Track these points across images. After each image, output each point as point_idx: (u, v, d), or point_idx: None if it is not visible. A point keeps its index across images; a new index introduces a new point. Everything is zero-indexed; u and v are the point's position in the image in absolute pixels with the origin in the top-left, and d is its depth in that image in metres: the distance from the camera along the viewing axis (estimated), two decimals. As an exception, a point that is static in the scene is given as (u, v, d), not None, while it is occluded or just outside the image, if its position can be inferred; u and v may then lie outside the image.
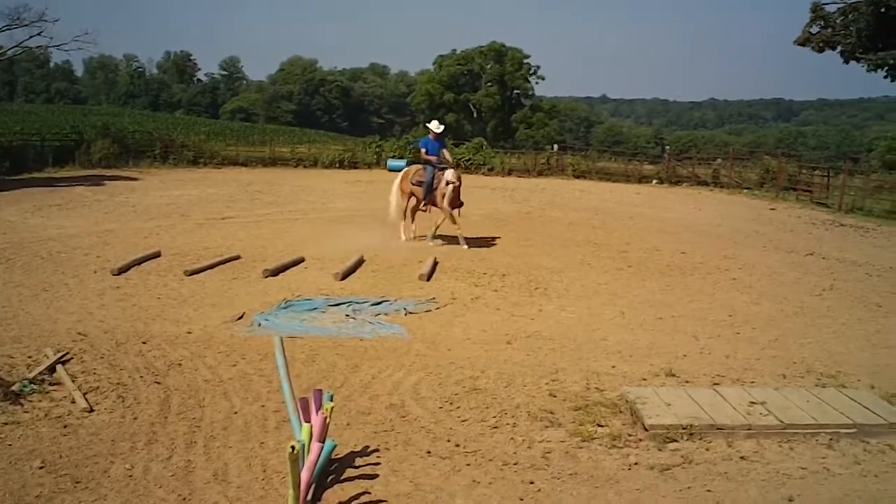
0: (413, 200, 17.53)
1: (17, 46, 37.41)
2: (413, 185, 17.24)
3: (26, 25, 34.82)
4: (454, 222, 16.81)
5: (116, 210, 21.17)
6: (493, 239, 17.73)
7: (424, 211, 17.61)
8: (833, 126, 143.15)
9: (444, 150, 17.53)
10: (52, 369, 8.08)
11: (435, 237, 17.23)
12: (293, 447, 4.99)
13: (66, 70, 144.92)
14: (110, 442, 6.48)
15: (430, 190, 16.78)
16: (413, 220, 17.81)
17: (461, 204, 17.02)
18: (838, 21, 33.83)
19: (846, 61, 34.16)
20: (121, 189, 26.41)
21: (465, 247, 16.42)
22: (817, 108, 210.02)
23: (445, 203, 16.49)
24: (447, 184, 16.32)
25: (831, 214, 26.84)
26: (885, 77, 32.51)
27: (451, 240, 16.91)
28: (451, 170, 16.69)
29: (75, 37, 36.80)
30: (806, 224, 24.05)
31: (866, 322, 11.67)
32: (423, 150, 17.29)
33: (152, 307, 11.03)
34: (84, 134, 36.88)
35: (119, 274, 13.01)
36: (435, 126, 17.48)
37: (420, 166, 17.38)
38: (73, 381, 7.74)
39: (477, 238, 17.41)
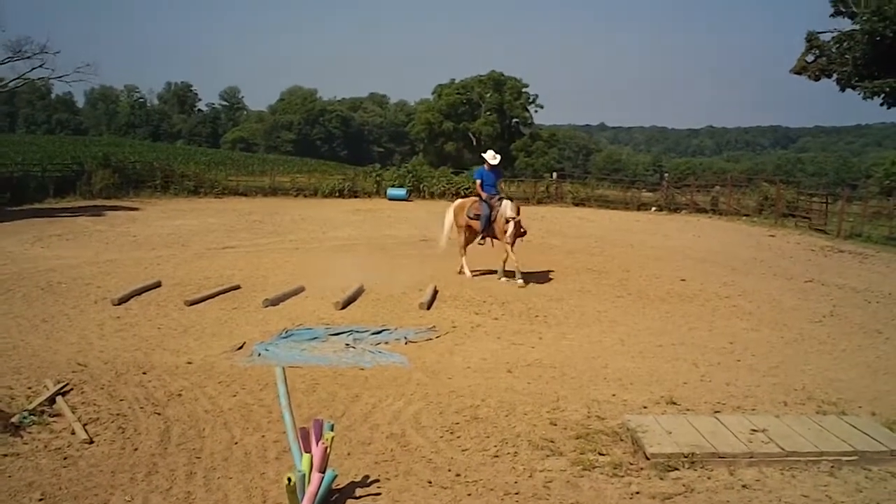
0: (469, 234, 17.06)
1: (18, 78, 37.70)
2: (470, 218, 16.80)
3: (28, 57, 35.11)
4: (513, 258, 16.12)
5: (117, 240, 21.20)
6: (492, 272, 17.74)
7: (482, 244, 16.95)
8: (831, 153, 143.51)
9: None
10: (51, 400, 8.07)
11: (505, 274, 16.52)
12: (290, 479, 4.98)
13: (68, 101, 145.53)
14: (110, 473, 6.46)
15: (488, 223, 16.33)
16: (464, 252, 17.24)
17: (524, 233, 16.57)
18: (833, 49, 34.00)
19: (842, 89, 34.30)
20: (121, 219, 26.47)
21: (521, 282, 15.78)
22: (815, 134, 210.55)
23: (507, 238, 15.90)
24: (507, 221, 15.81)
25: (830, 241, 26.88)
26: (882, 104, 32.61)
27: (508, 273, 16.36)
28: (509, 203, 16.20)
29: (76, 68, 37.12)
30: (805, 250, 24.08)
31: (866, 349, 11.67)
32: (478, 182, 16.79)
33: (152, 337, 11.03)
34: (85, 164, 37.07)
35: (119, 304, 13.01)
36: (490, 157, 16.74)
37: (476, 199, 16.82)
38: (72, 413, 7.73)
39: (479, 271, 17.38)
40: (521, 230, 16.24)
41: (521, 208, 16.37)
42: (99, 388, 8.68)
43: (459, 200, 18.02)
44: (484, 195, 16.45)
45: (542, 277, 16.63)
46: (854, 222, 29.73)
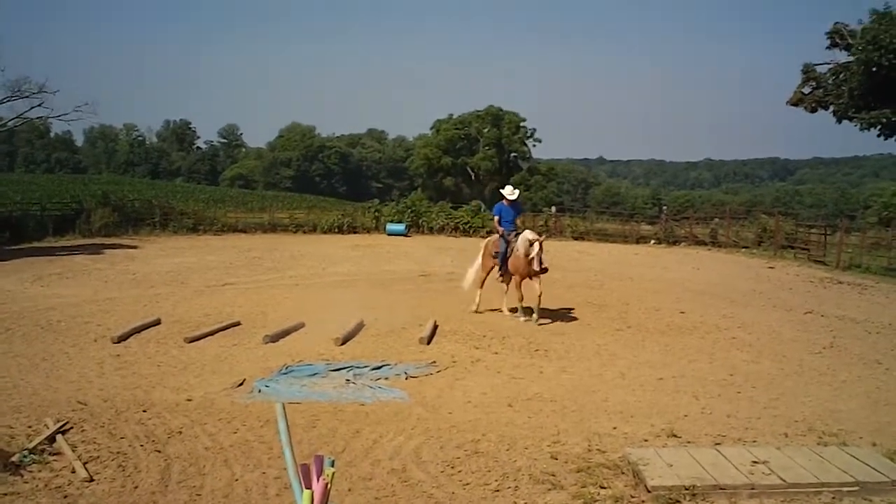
0: (494, 272, 16.74)
1: (17, 118, 37.73)
2: (493, 257, 16.57)
3: (27, 97, 35.17)
4: (536, 290, 15.57)
5: (116, 278, 21.21)
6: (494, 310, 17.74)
7: (501, 281, 16.65)
8: (829, 184, 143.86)
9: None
10: (52, 439, 8.07)
11: (529, 313, 15.88)
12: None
13: (67, 140, 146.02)
14: (111, 512, 6.45)
15: (504, 261, 16.09)
16: (481, 287, 16.96)
17: (545, 269, 15.80)
18: (830, 81, 34.30)
19: (839, 121, 34.53)
20: (120, 257, 26.49)
21: (535, 318, 15.56)
22: (813, 166, 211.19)
23: (535, 266, 15.31)
24: (531, 244, 15.30)
25: (829, 272, 26.91)
26: (879, 135, 32.81)
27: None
28: (527, 232, 15.87)
29: (75, 107, 37.05)
30: (804, 282, 24.10)
31: (866, 379, 11.67)
32: (496, 219, 16.63)
33: (152, 375, 11.02)
34: (84, 203, 37.05)
35: (119, 342, 13.02)
36: (508, 192, 16.43)
37: (497, 237, 16.50)
38: (73, 451, 7.73)
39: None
40: (543, 266, 15.60)
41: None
42: (99, 426, 8.67)
43: (490, 238, 17.62)
44: (501, 230, 16.30)
45: (542, 312, 16.62)
46: (853, 253, 29.75)
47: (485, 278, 16.91)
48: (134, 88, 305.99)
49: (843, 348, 13.94)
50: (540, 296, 15.53)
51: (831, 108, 34.80)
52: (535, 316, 15.59)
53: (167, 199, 44.55)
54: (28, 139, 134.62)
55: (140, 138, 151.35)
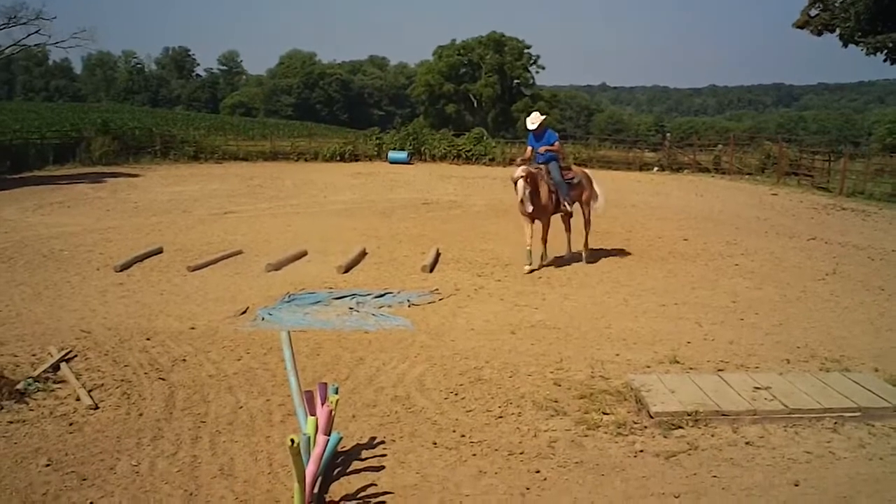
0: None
1: (15, 45, 37.45)
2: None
3: (24, 24, 34.84)
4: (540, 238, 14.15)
5: (118, 207, 21.17)
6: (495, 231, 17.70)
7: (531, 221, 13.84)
8: (833, 110, 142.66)
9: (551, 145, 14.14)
10: (56, 367, 8.09)
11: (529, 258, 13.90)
12: (293, 440, 4.99)
13: (65, 68, 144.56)
14: (116, 439, 6.48)
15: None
16: (569, 232, 14.88)
17: (565, 210, 14.19)
18: (837, 4, 33.80)
19: (845, 45, 34.15)
20: (122, 186, 26.40)
21: (527, 268, 13.66)
22: (817, 92, 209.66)
23: (524, 207, 13.47)
24: (514, 183, 13.34)
25: (833, 199, 26.82)
26: (885, 60, 32.49)
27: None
28: (521, 166, 13.46)
29: (73, 34, 36.88)
30: (807, 209, 24.03)
31: (869, 306, 11.67)
32: (528, 150, 14.35)
33: (155, 303, 11.04)
34: (84, 131, 36.84)
35: (121, 271, 13.02)
36: (530, 121, 14.06)
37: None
38: (77, 379, 7.75)
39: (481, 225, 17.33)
40: (563, 207, 14.04)
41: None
42: (103, 354, 8.70)
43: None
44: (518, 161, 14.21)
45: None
46: (856, 180, 29.60)
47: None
48: (132, 15, 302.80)
49: (846, 275, 13.92)
50: (569, 241, 14.73)
51: (837, 32, 34.39)
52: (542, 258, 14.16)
53: (167, 127, 44.34)
54: (26, 67, 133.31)
55: (139, 66, 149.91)
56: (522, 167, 13.37)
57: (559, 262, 14.43)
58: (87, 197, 23.29)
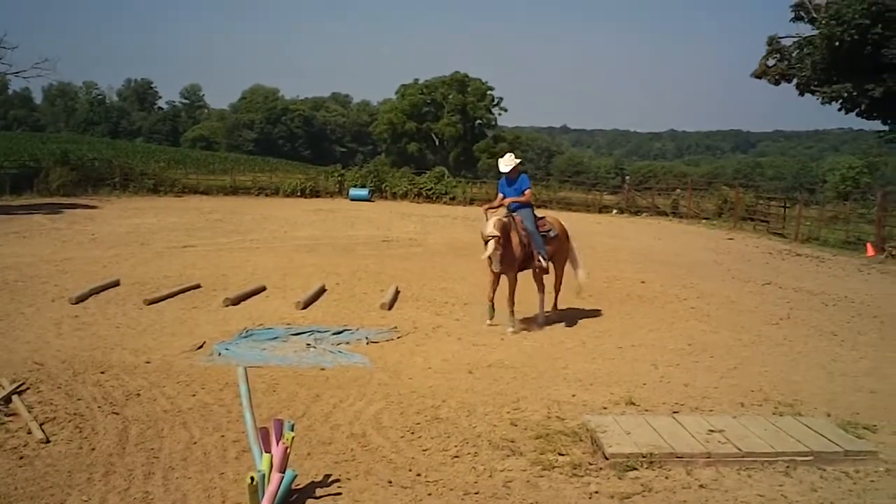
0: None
1: (-26, 74, 37.06)
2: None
3: (-16, 53, 34.51)
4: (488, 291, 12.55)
5: (75, 238, 20.96)
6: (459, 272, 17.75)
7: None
8: (789, 157, 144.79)
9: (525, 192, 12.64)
10: (7, 400, 7.96)
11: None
12: (252, 478, 4.96)
13: (25, 97, 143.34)
14: (67, 473, 6.38)
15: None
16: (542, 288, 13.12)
17: (539, 266, 12.68)
18: (794, 54, 34.55)
19: (801, 93, 34.85)
20: (79, 217, 26.17)
21: (511, 329, 12.23)
22: (774, 139, 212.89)
23: (492, 266, 12.01)
24: (485, 242, 11.84)
25: (788, 244, 27.24)
26: (840, 109, 33.15)
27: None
28: (494, 220, 11.89)
29: (34, 64, 36.45)
30: (763, 254, 24.37)
31: (822, 351, 11.82)
32: (499, 198, 12.74)
33: (111, 336, 10.92)
34: (42, 161, 36.59)
35: (77, 303, 12.86)
36: (503, 164, 12.74)
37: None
38: (29, 412, 7.63)
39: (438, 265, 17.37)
40: (538, 262, 12.54)
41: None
42: (56, 387, 8.58)
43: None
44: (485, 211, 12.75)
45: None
46: (811, 226, 30.13)
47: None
48: (95, 46, 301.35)
49: (800, 319, 14.11)
50: (542, 303, 13.07)
51: (794, 81, 35.09)
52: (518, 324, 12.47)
53: (127, 159, 44.10)
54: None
55: (100, 97, 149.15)
56: (496, 221, 11.79)
57: (517, 303, 12.74)
58: (44, 227, 23.05)
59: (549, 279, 13.23)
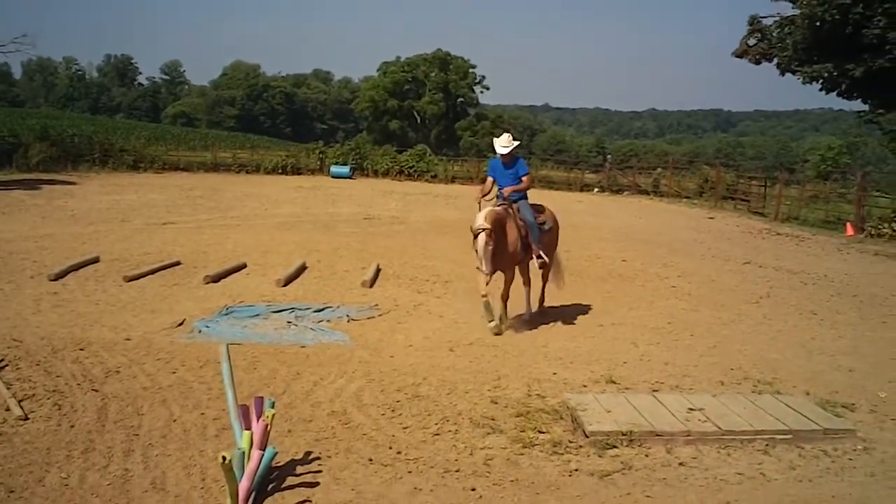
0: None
1: (-47, 49, 36.57)
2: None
3: (-38, 28, 34.11)
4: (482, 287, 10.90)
5: (54, 214, 20.81)
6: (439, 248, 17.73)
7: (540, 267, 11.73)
8: (770, 137, 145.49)
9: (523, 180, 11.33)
10: (-15, 377, 7.91)
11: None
12: (224, 457, 4.95)
13: (4, 72, 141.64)
14: (46, 450, 6.35)
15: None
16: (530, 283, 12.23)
17: (542, 262, 11.50)
18: (775, 34, 34.45)
19: (782, 73, 34.80)
20: (59, 193, 25.96)
21: (492, 325, 10.86)
22: (755, 119, 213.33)
23: (481, 266, 10.51)
24: (475, 237, 10.39)
25: (768, 223, 27.36)
26: (821, 89, 33.16)
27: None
28: (485, 211, 10.56)
29: (13, 39, 35.97)
30: (743, 233, 24.47)
31: (802, 329, 11.89)
32: (488, 181, 11.49)
33: (90, 313, 10.85)
34: (21, 137, 36.16)
35: (56, 279, 12.78)
36: (500, 144, 11.27)
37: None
38: (7, 389, 7.58)
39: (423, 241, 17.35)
40: (538, 257, 11.33)
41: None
42: (35, 364, 8.52)
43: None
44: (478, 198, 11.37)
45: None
46: (791, 205, 30.32)
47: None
48: (74, 21, 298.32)
49: (780, 298, 14.19)
50: (528, 298, 12.11)
51: (775, 61, 35.05)
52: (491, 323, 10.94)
53: (107, 135, 43.64)
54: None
55: (80, 72, 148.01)
56: (487, 212, 10.48)
57: (498, 280, 11.68)
58: (23, 204, 22.86)
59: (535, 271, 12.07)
